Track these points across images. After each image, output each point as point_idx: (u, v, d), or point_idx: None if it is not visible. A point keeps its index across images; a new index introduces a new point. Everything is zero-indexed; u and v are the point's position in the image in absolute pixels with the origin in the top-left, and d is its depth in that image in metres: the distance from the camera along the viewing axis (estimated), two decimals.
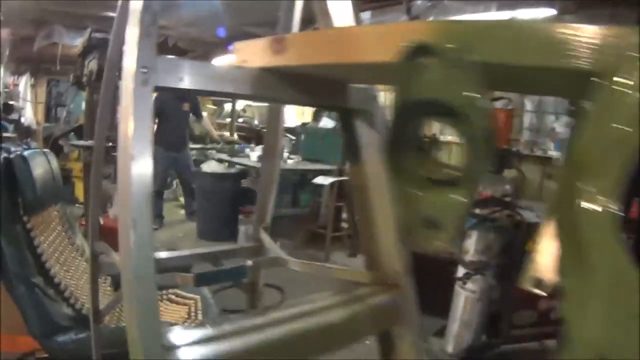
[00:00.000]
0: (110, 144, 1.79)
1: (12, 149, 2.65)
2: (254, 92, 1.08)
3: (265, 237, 1.69)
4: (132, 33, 0.95)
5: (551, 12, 5.27)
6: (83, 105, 10.12)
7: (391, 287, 1.35)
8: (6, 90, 10.69)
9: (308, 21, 1.55)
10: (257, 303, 1.72)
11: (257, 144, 8.10)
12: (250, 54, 1.10)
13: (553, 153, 7.82)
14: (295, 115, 10.58)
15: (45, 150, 3.08)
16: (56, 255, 2.54)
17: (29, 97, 11.17)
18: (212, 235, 6.42)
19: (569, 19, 5.21)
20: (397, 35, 0.77)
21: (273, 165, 1.71)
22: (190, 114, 7.22)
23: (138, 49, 0.93)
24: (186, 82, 0.98)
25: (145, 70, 0.92)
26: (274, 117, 1.66)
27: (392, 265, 1.36)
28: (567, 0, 5.06)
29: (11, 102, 10.10)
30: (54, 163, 2.93)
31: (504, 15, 5.35)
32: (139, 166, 0.87)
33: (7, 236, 2.30)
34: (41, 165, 2.67)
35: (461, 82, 0.67)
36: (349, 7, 1.31)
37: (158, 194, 6.65)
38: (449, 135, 9.34)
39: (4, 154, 2.46)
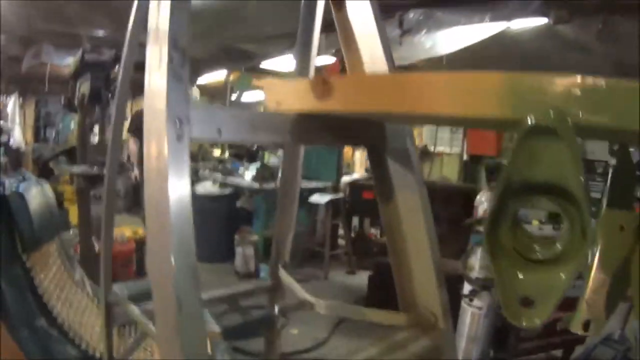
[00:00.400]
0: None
1: (7, 181, 2.55)
2: (291, 138, 0.99)
3: (285, 276, 1.60)
4: (158, 75, 0.81)
5: (544, 21, 5.25)
6: (72, 124, 9.94)
7: (429, 329, 1.28)
8: None
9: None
10: (277, 346, 1.61)
11: (249, 161, 8.04)
12: (286, 95, 1.00)
13: None
14: None
15: (40, 180, 2.97)
16: (57, 293, 2.44)
17: (17, 119, 10.92)
18: (207, 257, 6.31)
19: (563, 28, 5.20)
20: (471, 86, 0.70)
21: (290, 204, 1.61)
22: None
23: (168, 96, 0.79)
24: (224, 134, 0.87)
25: (179, 123, 0.79)
26: (293, 155, 1.54)
27: (429, 307, 1.29)
28: (560, 10, 5.05)
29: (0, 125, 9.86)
30: (50, 194, 2.83)
31: (499, 26, 5.31)
32: (182, 241, 0.75)
33: (7, 278, 2.19)
34: (37, 198, 2.57)
35: (577, 166, 0.62)
36: (369, 11, 1.19)
37: None
38: (440, 146, 9.32)
39: None
